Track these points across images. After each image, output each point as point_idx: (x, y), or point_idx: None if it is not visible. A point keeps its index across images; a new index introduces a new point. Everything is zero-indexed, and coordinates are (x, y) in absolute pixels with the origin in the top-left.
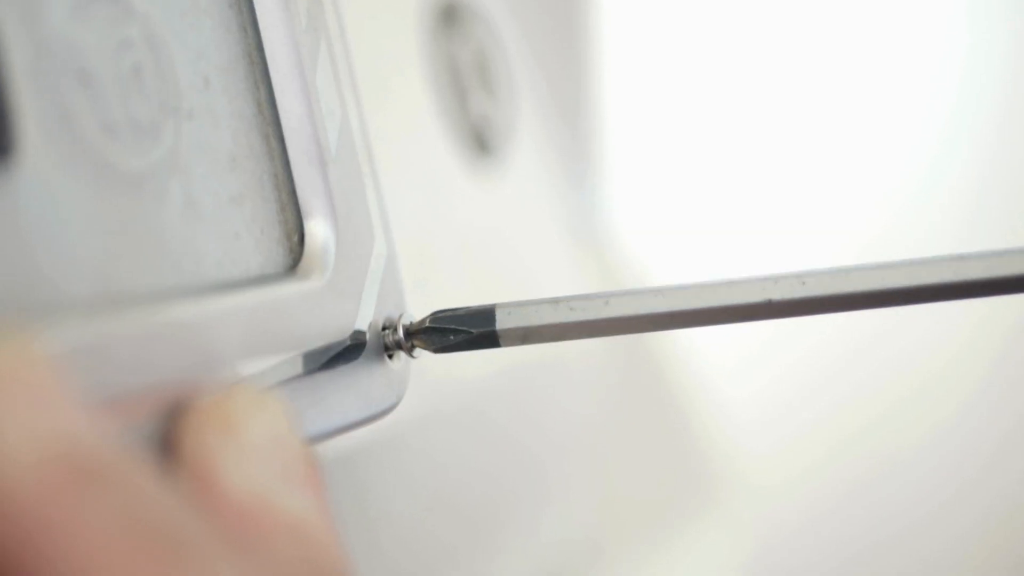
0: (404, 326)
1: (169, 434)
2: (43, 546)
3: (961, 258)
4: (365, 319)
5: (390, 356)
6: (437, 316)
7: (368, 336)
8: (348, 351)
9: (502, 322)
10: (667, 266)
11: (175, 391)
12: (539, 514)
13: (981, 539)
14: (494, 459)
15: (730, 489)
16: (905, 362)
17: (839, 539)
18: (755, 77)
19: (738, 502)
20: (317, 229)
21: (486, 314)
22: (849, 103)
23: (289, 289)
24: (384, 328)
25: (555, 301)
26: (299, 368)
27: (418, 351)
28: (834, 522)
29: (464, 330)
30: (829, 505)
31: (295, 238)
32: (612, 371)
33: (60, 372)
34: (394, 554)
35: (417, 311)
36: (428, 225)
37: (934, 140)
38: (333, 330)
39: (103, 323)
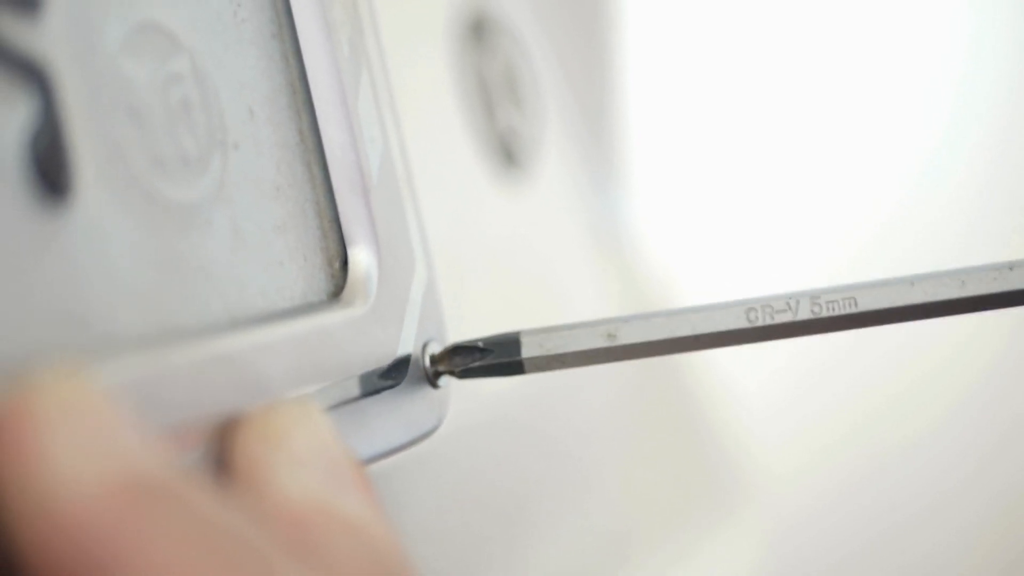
0: (431, 355)
1: (220, 452)
2: (115, 565)
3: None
4: (407, 344)
5: (431, 380)
6: (464, 367)
7: (410, 362)
8: (391, 377)
9: (527, 355)
10: (694, 275)
11: (224, 416)
12: (568, 509)
13: (994, 522)
14: (524, 460)
15: (749, 479)
16: (914, 348)
17: (856, 525)
18: (775, 87)
19: (758, 490)
20: (360, 256)
21: (511, 345)
22: (874, 109)
23: (333, 317)
24: (424, 352)
25: (577, 330)
26: (343, 395)
27: (443, 379)
28: (851, 507)
29: (491, 364)
30: (846, 491)
31: (336, 264)
32: (633, 364)
33: (116, 402)
34: (429, 558)
35: (451, 324)
36: (457, 236)
37: (952, 140)
38: (376, 356)
39: (154, 358)
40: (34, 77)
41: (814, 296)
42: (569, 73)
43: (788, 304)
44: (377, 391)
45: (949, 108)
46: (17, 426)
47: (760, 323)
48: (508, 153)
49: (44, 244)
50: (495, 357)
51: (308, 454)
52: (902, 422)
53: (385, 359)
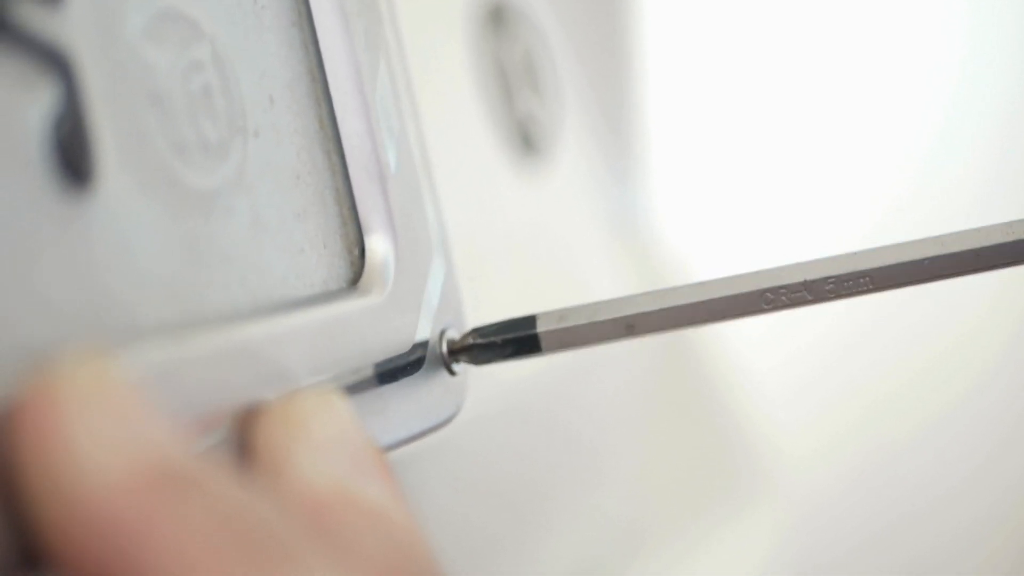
0: (449, 341)
1: (242, 439)
2: (140, 554)
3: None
4: (424, 332)
5: (449, 367)
6: (479, 333)
7: (428, 348)
8: (409, 364)
9: (543, 330)
10: (710, 261)
11: (245, 404)
12: (584, 496)
13: (1015, 505)
14: (539, 450)
15: (766, 465)
16: (931, 331)
17: (874, 510)
18: (790, 75)
19: (774, 476)
20: (377, 245)
21: (527, 325)
22: (882, 97)
23: (351, 305)
24: (442, 339)
25: (594, 307)
26: (362, 382)
27: (460, 366)
28: (869, 492)
29: (509, 339)
30: (863, 476)
31: (356, 251)
32: (648, 350)
33: (139, 389)
34: (445, 543)
35: (469, 310)
36: (476, 223)
37: (957, 125)
38: (394, 343)
39: (177, 345)
40: (57, 64)
41: (825, 277)
42: (587, 60)
43: (804, 285)
44: (396, 379)
45: (954, 89)
46: (41, 414)
47: (772, 297)
48: (526, 140)
49: (67, 230)
50: (512, 334)
51: (329, 441)
52: (919, 406)
53: (403, 347)
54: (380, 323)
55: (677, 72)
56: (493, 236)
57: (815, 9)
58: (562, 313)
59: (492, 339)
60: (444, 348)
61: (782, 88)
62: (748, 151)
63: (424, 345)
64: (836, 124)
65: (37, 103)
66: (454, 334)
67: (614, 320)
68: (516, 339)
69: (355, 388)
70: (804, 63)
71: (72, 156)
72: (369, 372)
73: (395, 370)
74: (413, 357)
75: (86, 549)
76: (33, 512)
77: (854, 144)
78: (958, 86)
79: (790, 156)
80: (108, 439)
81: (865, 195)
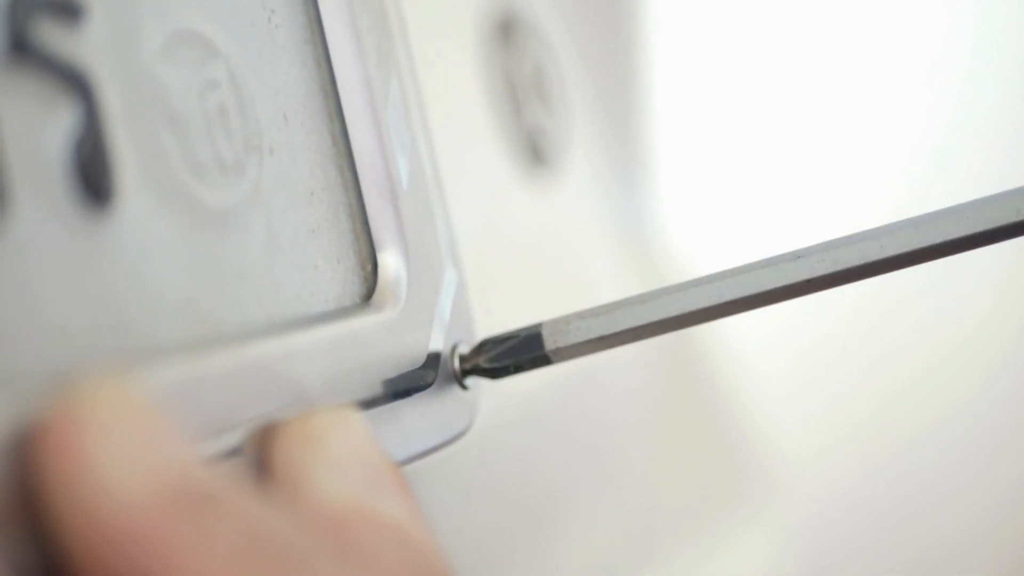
0: (460, 355)
1: (259, 456)
2: (163, 572)
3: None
4: (437, 346)
5: (460, 381)
6: (490, 355)
7: (440, 364)
8: (421, 379)
9: (550, 343)
10: (720, 269)
11: (262, 420)
12: (595, 503)
13: (1019, 504)
14: (550, 457)
15: (774, 467)
16: (935, 329)
17: (880, 508)
18: (797, 84)
19: (782, 479)
20: (389, 261)
21: (533, 339)
22: (888, 107)
23: (364, 321)
24: (454, 354)
25: (596, 312)
26: (375, 398)
27: (472, 379)
28: (875, 492)
29: (515, 358)
30: (869, 476)
31: (369, 267)
32: (652, 353)
33: (159, 408)
34: (459, 555)
35: (480, 322)
36: (486, 235)
37: (960, 129)
38: (407, 359)
39: (194, 363)
40: (77, 85)
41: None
42: (595, 72)
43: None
44: (408, 393)
45: (958, 90)
46: (64, 434)
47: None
48: (536, 152)
49: (87, 250)
50: (519, 352)
51: (346, 457)
52: (923, 406)
53: (416, 362)
54: (393, 338)
55: (685, 83)
56: (503, 248)
57: (820, 21)
58: (566, 325)
59: (499, 354)
60: (456, 362)
61: (788, 98)
62: (756, 160)
63: (436, 359)
64: (842, 132)
65: (58, 124)
66: (465, 348)
67: (621, 331)
68: (524, 358)
69: (369, 403)
70: (810, 74)
71: (92, 177)
72: (382, 387)
73: (408, 385)
74: (426, 372)
75: (109, 568)
76: (57, 532)
77: (860, 150)
78: (962, 86)
79: (797, 165)
80: (130, 459)
81: (871, 200)
